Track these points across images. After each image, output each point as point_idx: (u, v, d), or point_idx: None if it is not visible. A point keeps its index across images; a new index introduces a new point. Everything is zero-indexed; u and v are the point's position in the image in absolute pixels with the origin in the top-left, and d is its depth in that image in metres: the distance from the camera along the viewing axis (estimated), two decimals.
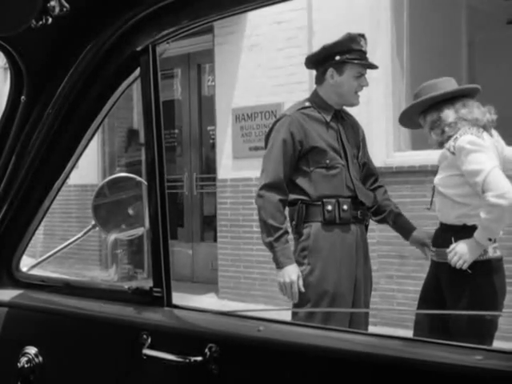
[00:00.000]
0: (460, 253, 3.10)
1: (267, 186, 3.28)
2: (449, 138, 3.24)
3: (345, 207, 3.28)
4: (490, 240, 3.06)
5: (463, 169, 3.12)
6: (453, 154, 3.16)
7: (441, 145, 3.31)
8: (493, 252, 3.14)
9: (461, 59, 6.88)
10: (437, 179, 3.27)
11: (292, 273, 3.20)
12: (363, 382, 1.39)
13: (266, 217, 3.26)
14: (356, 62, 3.29)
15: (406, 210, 5.94)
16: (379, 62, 6.07)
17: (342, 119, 3.42)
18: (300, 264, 3.30)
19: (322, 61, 3.35)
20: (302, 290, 3.21)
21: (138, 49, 1.70)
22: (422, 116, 3.39)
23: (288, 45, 6.89)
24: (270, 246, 3.25)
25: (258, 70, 7.23)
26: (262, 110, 7.25)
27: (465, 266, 3.09)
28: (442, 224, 3.29)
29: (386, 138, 6.31)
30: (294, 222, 3.35)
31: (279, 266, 3.22)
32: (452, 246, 3.14)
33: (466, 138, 3.14)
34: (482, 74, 6.89)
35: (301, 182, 3.30)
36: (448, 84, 3.32)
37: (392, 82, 6.31)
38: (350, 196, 3.31)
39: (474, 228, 3.12)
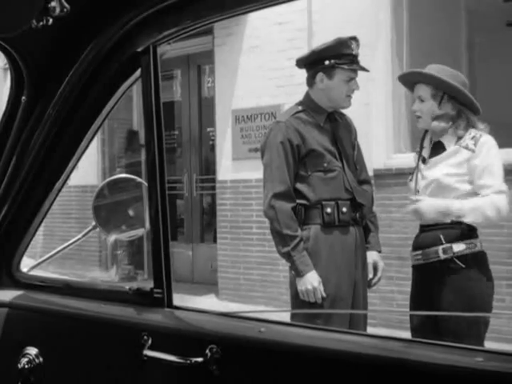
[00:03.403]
0: (423, 208, 3.19)
1: (277, 196, 3.25)
2: (443, 133, 3.25)
3: (344, 209, 3.28)
4: (457, 217, 3.14)
5: (481, 162, 3.12)
6: (472, 151, 3.17)
7: (437, 133, 3.29)
8: (480, 246, 3.19)
9: (460, 61, 6.88)
10: (440, 174, 3.23)
11: (313, 280, 3.20)
12: (363, 383, 1.38)
13: (280, 227, 3.23)
14: (345, 67, 3.28)
15: (406, 212, 5.96)
16: (379, 62, 6.09)
17: (335, 121, 3.42)
18: None
19: (312, 64, 3.35)
20: (324, 295, 3.21)
21: (139, 49, 1.70)
22: (431, 89, 3.29)
23: (288, 46, 6.89)
24: (288, 256, 3.23)
25: (257, 72, 7.24)
26: (262, 111, 7.25)
27: (418, 218, 3.25)
28: (427, 226, 3.28)
29: (386, 139, 6.30)
30: None
31: (299, 274, 3.21)
32: (419, 197, 3.24)
33: (489, 137, 3.20)
34: (482, 75, 6.88)
35: (299, 186, 3.29)
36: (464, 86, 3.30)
37: (392, 83, 6.30)
38: (348, 198, 3.30)
39: (459, 224, 3.17)
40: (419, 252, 3.27)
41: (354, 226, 3.32)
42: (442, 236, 3.17)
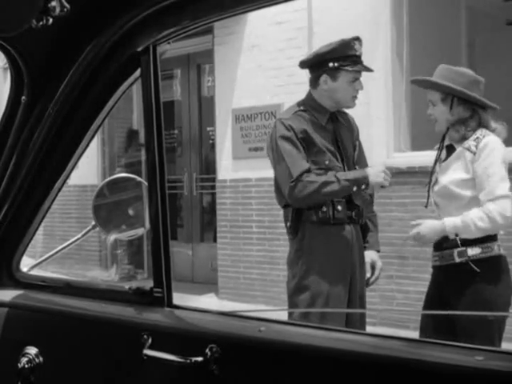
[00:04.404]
0: (422, 232, 3.18)
1: (298, 176, 3.23)
2: (464, 137, 3.22)
3: (339, 207, 3.27)
4: (455, 235, 3.11)
5: (480, 167, 3.09)
6: (473, 153, 3.13)
7: (455, 140, 3.27)
8: (497, 249, 3.14)
9: (461, 60, 6.88)
10: (447, 179, 3.21)
11: (374, 170, 3.28)
12: (364, 382, 1.39)
13: (319, 185, 3.22)
14: (349, 68, 3.28)
15: (406, 211, 5.98)
16: (379, 62, 6.09)
17: (337, 121, 3.42)
18: (295, 264, 3.31)
19: (315, 67, 3.34)
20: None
21: (139, 49, 1.70)
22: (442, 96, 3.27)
23: (288, 45, 6.89)
24: (347, 184, 3.23)
25: (257, 71, 7.23)
26: (262, 110, 7.25)
27: (420, 245, 3.23)
28: None
29: (386, 138, 6.31)
30: (288, 223, 3.34)
31: (366, 178, 3.24)
32: (418, 221, 3.23)
33: (492, 138, 3.14)
34: (482, 74, 6.87)
35: None
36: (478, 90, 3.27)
37: (392, 83, 6.31)
38: (345, 198, 3.31)
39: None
40: (437, 253, 3.25)
41: (349, 224, 3.32)
42: (458, 239, 3.15)
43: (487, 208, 3.05)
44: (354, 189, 3.24)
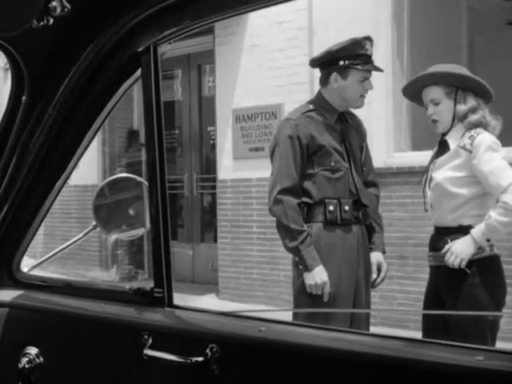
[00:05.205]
0: (456, 251, 3.09)
1: (284, 191, 3.25)
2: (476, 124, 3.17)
3: (346, 208, 3.28)
4: (487, 241, 3.06)
5: (479, 165, 3.07)
6: (469, 152, 3.10)
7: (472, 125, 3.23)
8: (490, 250, 3.12)
9: (461, 60, 6.87)
10: (442, 178, 3.18)
11: (322, 274, 3.20)
12: (365, 382, 1.39)
13: (287, 221, 3.23)
14: (360, 67, 3.29)
15: (407, 211, 5.98)
16: (379, 61, 6.07)
17: (345, 121, 3.42)
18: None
19: (326, 65, 3.35)
20: (330, 290, 3.22)
21: (140, 49, 1.70)
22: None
23: (289, 45, 6.89)
24: (297, 250, 3.22)
25: (258, 71, 7.24)
26: (263, 110, 7.25)
27: (462, 265, 3.08)
28: (437, 228, 3.27)
29: (387, 138, 6.31)
30: None
31: (308, 268, 3.20)
32: (447, 246, 3.13)
33: (486, 135, 3.11)
34: (482, 74, 6.87)
35: (305, 184, 3.29)
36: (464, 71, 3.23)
37: (392, 82, 6.30)
38: (352, 198, 3.31)
39: (468, 228, 3.11)
40: (431, 254, 3.24)
41: (356, 225, 3.32)
42: (449, 240, 3.13)
43: (502, 201, 3.01)
44: (296, 259, 3.26)
